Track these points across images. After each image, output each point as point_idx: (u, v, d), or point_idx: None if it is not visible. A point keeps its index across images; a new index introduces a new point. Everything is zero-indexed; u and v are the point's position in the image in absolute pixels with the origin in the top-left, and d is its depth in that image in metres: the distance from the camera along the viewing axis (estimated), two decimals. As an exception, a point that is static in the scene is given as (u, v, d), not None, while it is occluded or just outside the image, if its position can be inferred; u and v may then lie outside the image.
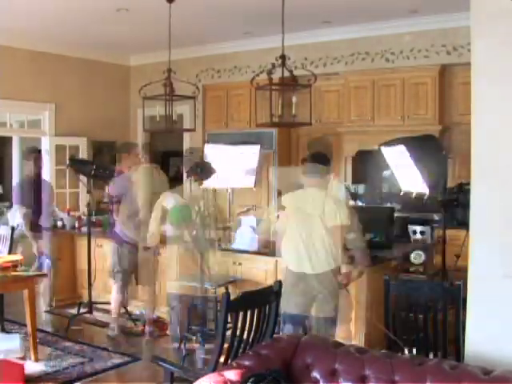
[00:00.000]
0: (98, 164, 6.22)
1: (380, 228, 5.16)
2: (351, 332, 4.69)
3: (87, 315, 6.14)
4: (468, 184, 3.37)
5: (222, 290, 5.02)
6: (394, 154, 4.97)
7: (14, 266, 5.00)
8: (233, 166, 6.78)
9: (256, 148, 6.88)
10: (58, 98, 7.90)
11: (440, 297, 3.56)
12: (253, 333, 3.25)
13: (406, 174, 4.91)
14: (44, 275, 5.71)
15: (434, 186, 4.56)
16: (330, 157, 4.94)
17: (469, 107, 3.23)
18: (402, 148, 4.61)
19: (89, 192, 6.25)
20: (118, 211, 5.86)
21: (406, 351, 3.48)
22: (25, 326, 5.12)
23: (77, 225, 6.88)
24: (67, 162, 6.46)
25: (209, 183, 5.72)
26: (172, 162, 10.08)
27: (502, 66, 3.03)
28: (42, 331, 5.62)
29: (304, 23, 6.60)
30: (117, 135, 8.52)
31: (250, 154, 6.89)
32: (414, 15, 6.30)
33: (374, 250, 4.76)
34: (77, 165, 6.39)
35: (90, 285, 6.20)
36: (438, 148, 4.80)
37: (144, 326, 5.81)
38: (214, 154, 6.77)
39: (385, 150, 5.12)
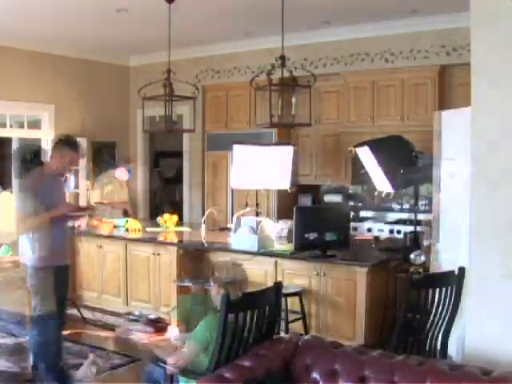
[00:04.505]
0: None
1: (336, 227, 5.11)
2: None
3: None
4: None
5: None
6: (365, 156, 5.06)
7: (15, 266, 5.01)
8: (266, 167, 6.63)
9: (289, 149, 6.81)
10: (58, 98, 7.89)
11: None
12: (253, 333, 3.25)
13: (376, 174, 4.99)
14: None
15: (399, 185, 4.65)
16: None
17: (468, 108, 3.24)
18: (367, 149, 4.71)
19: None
20: None
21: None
22: (24, 326, 5.11)
23: (76, 225, 6.87)
24: None
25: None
26: (172, 163, 10.07)
27: (501, 67, 3.04)
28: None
29: (304, 23, 6.60)
30: (116, 136, 8.52)
31: (283, 155, 6.77)
32: (413, 15, 6.29)
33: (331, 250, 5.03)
34: None
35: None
36: (406, 148, 4.88)
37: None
38: (242, 154, 6.63)
39: (358, 151, 5.20)
